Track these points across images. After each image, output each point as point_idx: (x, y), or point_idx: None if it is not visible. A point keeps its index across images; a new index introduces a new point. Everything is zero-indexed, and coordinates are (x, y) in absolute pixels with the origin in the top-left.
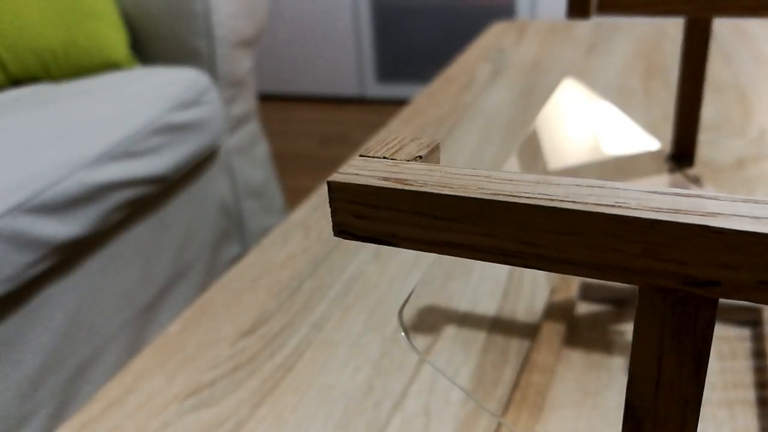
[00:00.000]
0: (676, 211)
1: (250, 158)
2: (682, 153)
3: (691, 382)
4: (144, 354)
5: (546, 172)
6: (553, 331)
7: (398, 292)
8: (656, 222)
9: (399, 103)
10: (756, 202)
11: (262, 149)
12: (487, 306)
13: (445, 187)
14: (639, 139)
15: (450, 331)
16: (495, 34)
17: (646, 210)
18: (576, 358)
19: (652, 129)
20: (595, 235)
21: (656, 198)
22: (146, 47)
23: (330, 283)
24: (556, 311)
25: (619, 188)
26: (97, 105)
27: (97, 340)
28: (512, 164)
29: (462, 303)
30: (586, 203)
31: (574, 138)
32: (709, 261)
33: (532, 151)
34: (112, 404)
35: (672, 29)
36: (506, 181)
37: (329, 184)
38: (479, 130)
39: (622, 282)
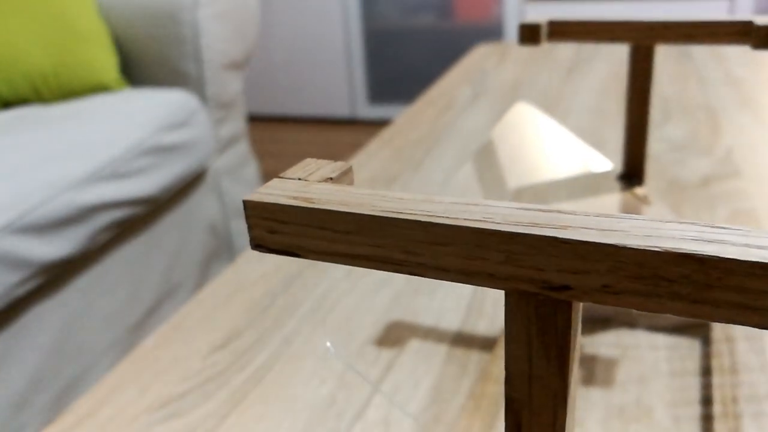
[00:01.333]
0: (534, 225)
1: (240, 178)
2: (632, 173)
3: (558, 377)
4: (119, 368)
5: (500, 191)
6: None
7: (367, 308)
8: (515, 234)
9: (390, 123)
10: (604, 216)
11: (252, 170)
12: (450, 321)
13: (343, 204)
14: (591, 159)
15: (414, 345)
16: (477, 56)
17: (508, 224)
18: None
19: (622, 148)
20: (465, 245)
21: (519, 213)
22: (136, 70)
23: (301, 299)
24: None
25: (489, 205)
26: (86, 126)
27: (85, 359)
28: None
29: (427, 318)
30: (458, 218)
31: (527, 158)
32: (561, 268)
33: (488, 170)
34: (84, 417)
35: None
36: (396, 200)
37: (244, 202)
38: (455, 150)
39: (490, 286)
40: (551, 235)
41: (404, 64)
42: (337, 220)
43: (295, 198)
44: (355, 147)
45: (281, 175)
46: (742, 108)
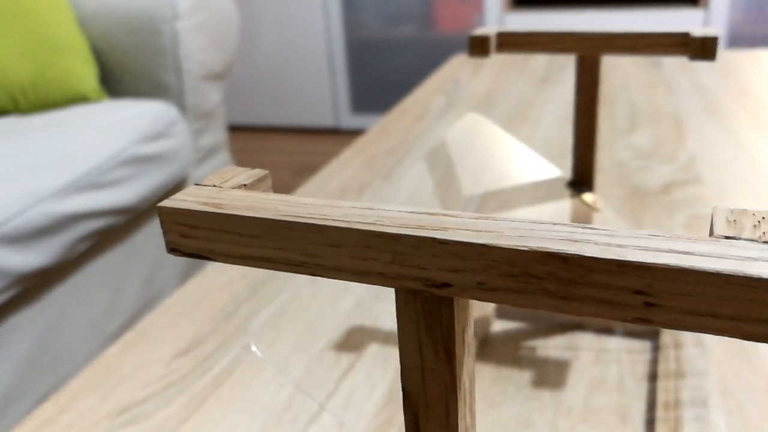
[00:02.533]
0: (419, 227)
1: None
2: (581, 180)
3: (447, 370)
4: (81, 375)
5: (456, 195)
6: None
7: (329, 314)
8: (400, 236)
9: None
10: (479, 218)
11: None
12: None
13: (250, 210)
14: (540, 167)
15: (372, 349)
16: (453, 67)
17: (395, 226)
18: (486, 371)
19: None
20: (357, 247)
21: (407, 217)
22: (116, 81)
23: (265, 306)
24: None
25: (382, 209)
26: (64, 137)
27: (63, 369)
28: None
29: (387, 323)
30: (350, 221)
31: (479, 166)
32: (441, 266)
33: (441, 172)
34: (44, 423)
35: (622, 62)
36: (299, 205)
37: (158, 208)
38: (436, 161)
39: (381, 285)
40: (431, 236)
41: (387, 74)
42: (242, 224)
43: (205, 204)
44: (337, 156)
45: (198, 182)
46: (707, 116)
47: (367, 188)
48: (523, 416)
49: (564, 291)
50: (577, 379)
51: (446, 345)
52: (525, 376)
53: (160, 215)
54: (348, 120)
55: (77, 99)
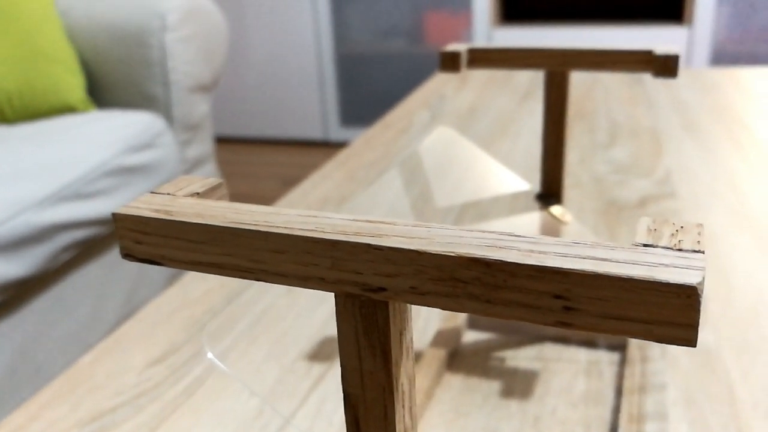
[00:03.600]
0: (356, 234)
1: None
2: (550, 193)
3: (384, 372)
4: (53, 384)
5: (429, 207)
6: (435, 357)
7: (304, 324)
8: (338, 242)
9: None
10: (415, 225)
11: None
12: None
13: (198, 216)
14: (509, 180)
15: None
16: (438, 81)
17: (334, 233)
18: (455, 381)
19: (567, 169)
20: (298, 253)
21: (346, 224)
22: (103, 92)
23: (240, 316)
24: (442, 339)
25: (324, 217)
26: (49, 147)
27: (43, 380)
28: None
29: None
30: (293, 228)
31: (451, 178)
32: (376, 271)
33: (413, 182)
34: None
35: (605, 78)
36: (246, 212)
37: (113, 215)
38: (407, 173)
39: (322, 290)
40: (366, 242)
41: (376, 87)
42: (191, 231)
43: (157, 211)
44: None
45: (152, 190)
46: (685, 132)
47: (348, 200)
48: (490, 426)
49: (488, 295)
50: (545, 390)
51: (383, 348)
52: (494, 386)
53: (115, 222)
54: (337, 133)
55: (64, 109)
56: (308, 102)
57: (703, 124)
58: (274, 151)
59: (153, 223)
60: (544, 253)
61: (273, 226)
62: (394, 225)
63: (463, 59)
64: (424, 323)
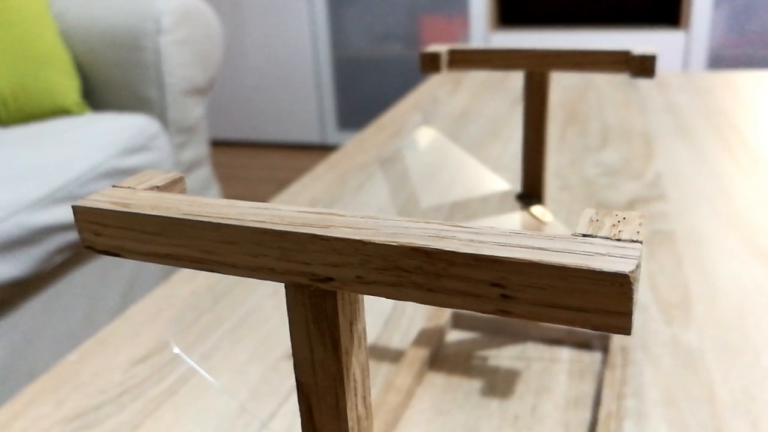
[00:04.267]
0: (305, 225)
1: None
2: (530, 193)
3: (334, 361)
4: (38, 382)
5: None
6: (417, 356)
7: (287, 325)
8: (286, 233)
9: None
10: (363, 217)
11: (214, 193)
12: (367, 335)
13: (154, 209)
14: (490, 181)
15: None
16: (432, 84)
17: (283, 224)
18: (437, 380)
19: (556, 173)
20: (249, 244)
21: (297, 215)
22: (98, 95)
23: (226, 316)
24: (425, 338)
25: (275, 209)
26: (43, 149)
27: None
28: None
29: None
30: (244, 220)
31: (434, 178)
32: (324, 261)
33: (396, 181)
34: None
35: (599, 82)
36: (201, 204)
37: (73, 207)
38: (398, 175)
39: (272, 280)
40: (313, 232)
41: (373, 91)
42: (147, 222)
43: (115, 203)
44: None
45: (115, 184)
46: (677, 135)
47: (338, 202)
48: (469, 424)
49: (430, 284)
50: (526, 388)
51: (332, 337)
52: (475, 385)
53: (74, 214)
54: (334, 136)
55: (59, 112)
56: (305, 105)
57: (695, 128)
58: (271, 155)
59: (110, 215)
60: (483, 242)
61: (224, 218)
62: (342, 216)
63: (443, 60)
64: (408, 323)
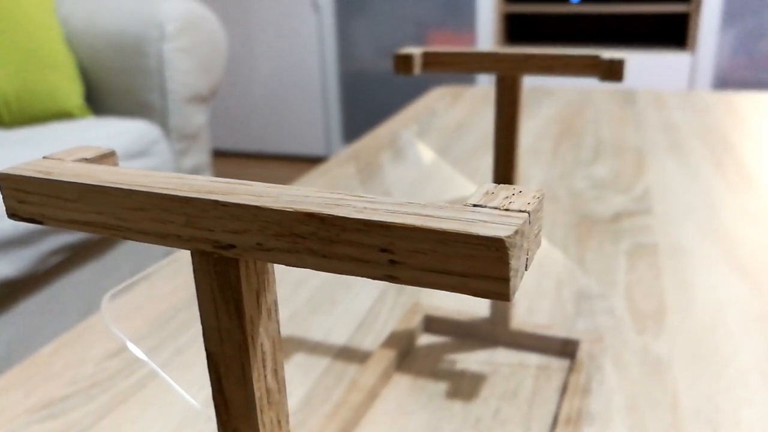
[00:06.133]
0: (210, 192)
1: None
2: None
3: (239, 330)
4: (10, 372)
5: None
6: (384, 357)
7: None
8: (190, 199)
9: None
10: (269, 187)
11: None
12: (339, 336)
13: (74, 176)
14: (461, 185)
15: (297, 358)
16: (432, 98)
17: (188, 191)
18: (403, 382)
19: (545, 185)
20: (156, 210)
21: (203, 184)
22: (101, 99)
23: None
24: (394, 340)
25: (185, 179)
26: (43, 151)
27: None
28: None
29: (318, 334)
30: (153, 187)
31: (409, 182)
32: (225, 228)
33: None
34: None
35: (597, 98)
36: (119, 174)
37: None
38: (389, 184)
39: (179, 247)
40: (215, 199)
41: (379, 104)
42: (66, 190)
43: (39, 172)
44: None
45: (45, 156)
46: (669, 151)
47: None
48: (431, 425)
49: (324, 250)
50: (491, 392)
51: (237, 305)
52: (440, 387)
53: None
54: (339, 149)
55: (62, 115)
56: (311, 118)
57: (688, 145)
58: (277, 166)
59: (33, 182)
60: (376, 210)
61: (135, 185)
62: (248, 186)
63: (417, 62)
64: (382, 326)
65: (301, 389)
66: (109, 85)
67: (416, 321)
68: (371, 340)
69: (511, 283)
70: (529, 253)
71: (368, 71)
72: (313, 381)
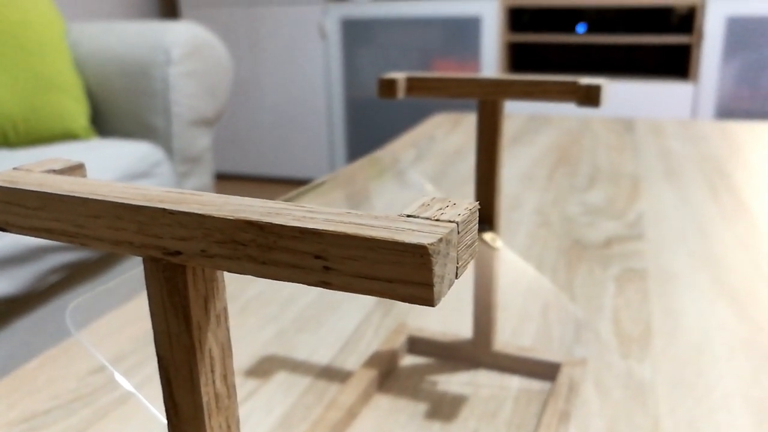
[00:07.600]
0: (160, 201)
1: None
2: (483, 219)
3: (187, 334)
4: None
5: None
6: (365, 377)
7: (249, 342)
8: (141, 207)
9: None
10: (217, 197)
11: None
12: (323, 356)
13: (36, 186)
14: None
15: (280, 377)
16: (432, 124)
17: (139, 200)
18: (384, 402)
19: (538, 210)
20: (110, 218)
21: (156, 193)
22: (107, 121)
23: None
24: (376, 360)
25: (145, 189)
26: None
27: None
28: None
29: (302, 353)
30: (108, 196)
31: (387, 198)
32: (173, 236)
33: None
34: None
35: (596, 126)
36: (79, 183)
37: None
38: (382, 206)
39: (131, 254)
40: (163, 207)
41: (383, 131)
42: (28, 198)
43: (5, 181)
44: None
45: (17, 167)
46: (664, 178)
47: None
48: None
49: (263, 256)
50: (471, 413)
51: (185, 311)
52: (420, 407)
53: None
54: None
55: (67, 136)
56: (317, 143)
57: (684, 172)
58: (281, 190)
59: None
60: (313, 218)
61: (91, 193)
62: (197, 196)
63: (401, 86)
64: (366, 346)
65: (280, 408)
66: (114, 108)
67: (400, 341)
68: (355, 360)
69: (436, 289)
70: (460, 262)
71: (373, 98)
72: (294, 399)
